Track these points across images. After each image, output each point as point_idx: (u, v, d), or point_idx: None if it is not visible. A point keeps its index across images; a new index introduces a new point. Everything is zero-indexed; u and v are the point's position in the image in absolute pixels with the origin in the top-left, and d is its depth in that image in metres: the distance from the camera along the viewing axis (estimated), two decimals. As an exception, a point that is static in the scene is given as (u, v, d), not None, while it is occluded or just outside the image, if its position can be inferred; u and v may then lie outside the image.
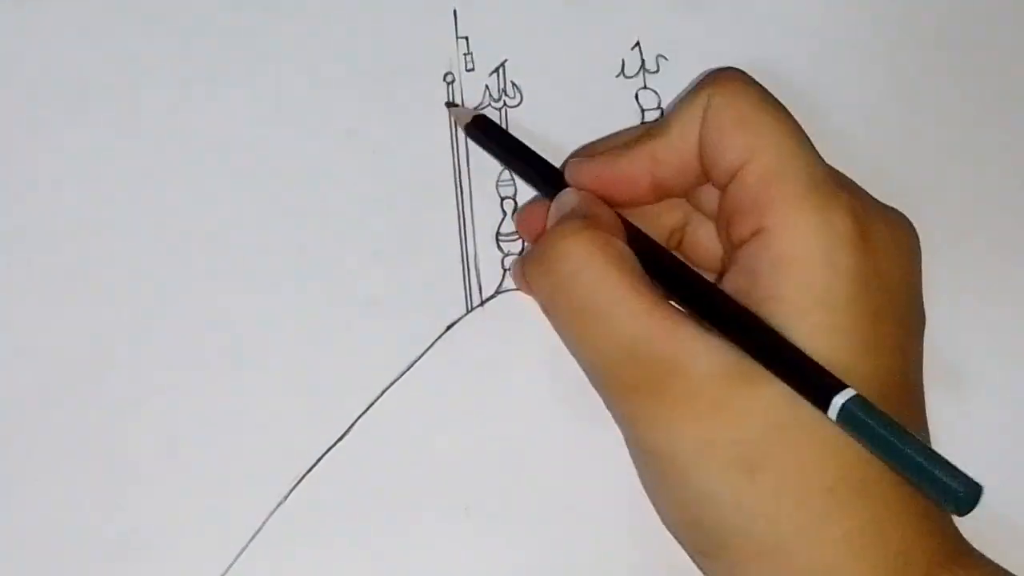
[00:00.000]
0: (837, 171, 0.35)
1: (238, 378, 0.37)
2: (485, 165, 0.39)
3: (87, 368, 0.37)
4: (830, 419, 0.30)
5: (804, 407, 0.31)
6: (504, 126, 0.40)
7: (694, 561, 0.34)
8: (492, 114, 0.40)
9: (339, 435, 0.37)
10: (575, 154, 0.38)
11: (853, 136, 0.40)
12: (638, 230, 0.35)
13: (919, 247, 0.35)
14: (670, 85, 0.40)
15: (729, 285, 0.34)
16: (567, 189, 0.36)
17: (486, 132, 0.39)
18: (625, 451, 0.36)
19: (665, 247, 0.36)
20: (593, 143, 0.38)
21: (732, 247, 0.34)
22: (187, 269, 0.38)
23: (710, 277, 0.36)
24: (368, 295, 0.38)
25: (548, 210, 0.36)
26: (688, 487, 0.32)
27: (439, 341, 0.38)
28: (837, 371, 0.31)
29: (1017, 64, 0.41)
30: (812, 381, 0.31)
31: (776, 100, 0.35)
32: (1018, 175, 0.40)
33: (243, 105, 0.39)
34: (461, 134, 0.40)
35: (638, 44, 0.41)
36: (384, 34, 0.40)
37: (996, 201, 0.40)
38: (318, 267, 0.38)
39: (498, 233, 0.39)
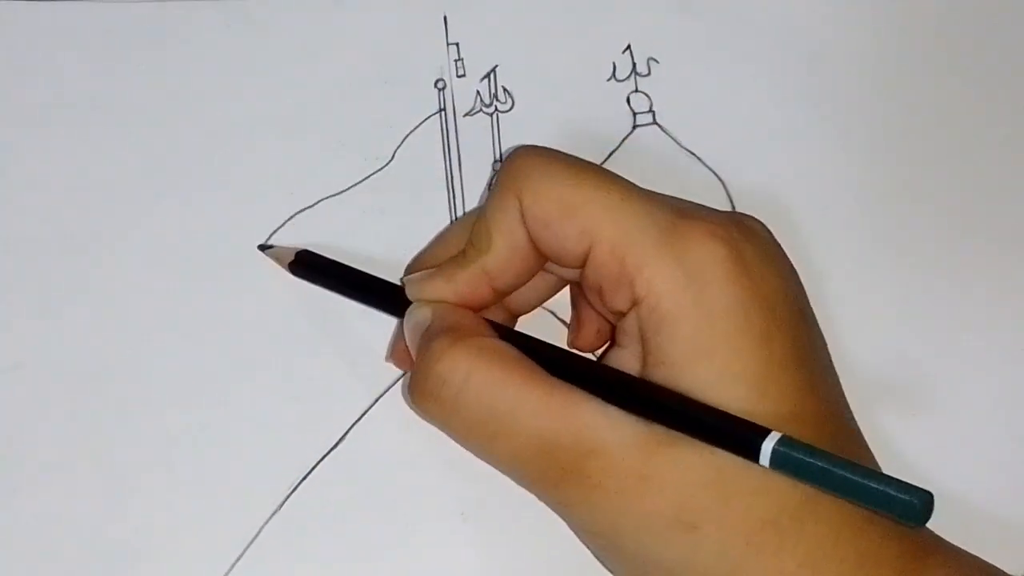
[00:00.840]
0: (674, 200, 0.34)
1: (235, 385, 0.37)
2: (477, 171, 0.39)
3: (85, 375, 0.37)
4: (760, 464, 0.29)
5: (725, 455, 0.30)
6: (496, 131, 0.40)
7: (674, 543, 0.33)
8: (484, 120, 0.40)
9: (334, 442, 0.37)
10: (408, 270, 0.37)
11: (848, 137, 0.40)
12: (503, 326, 0.35)
13: (783, 250, 0.34)
14: (661, 88, 0.40)
15: (619, 359, 0.33)
16: (413, 304, 0.35)
17: (310, 268, 0.37)
18: None
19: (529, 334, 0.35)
20: (422, 253, 0.37)
21: (612, 317, 0.34)
22: (184, 275, 0.38)
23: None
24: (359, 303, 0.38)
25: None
26: (635, 558, 0.32)
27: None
28: (741, 412, 0.30)
29: (1017, 64, 0.41)
30: (731, 435, 0.30)
31: (578, 160, 0.34)
32: (1018, 175, 0.40)
33: (236, 113, 0.40)
34: (453, 139, 0.40)
35: (629, 48, 0.41)
36: (375, 41, 0.40)
37: (995, 201, 0.40)
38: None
39: (491, 238, 0.39)
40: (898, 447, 0.37)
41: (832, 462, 0.28)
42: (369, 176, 0.39)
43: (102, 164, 0.39)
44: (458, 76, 0.40)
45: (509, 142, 0.40)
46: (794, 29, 0.41)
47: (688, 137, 0.40)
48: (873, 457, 0.33)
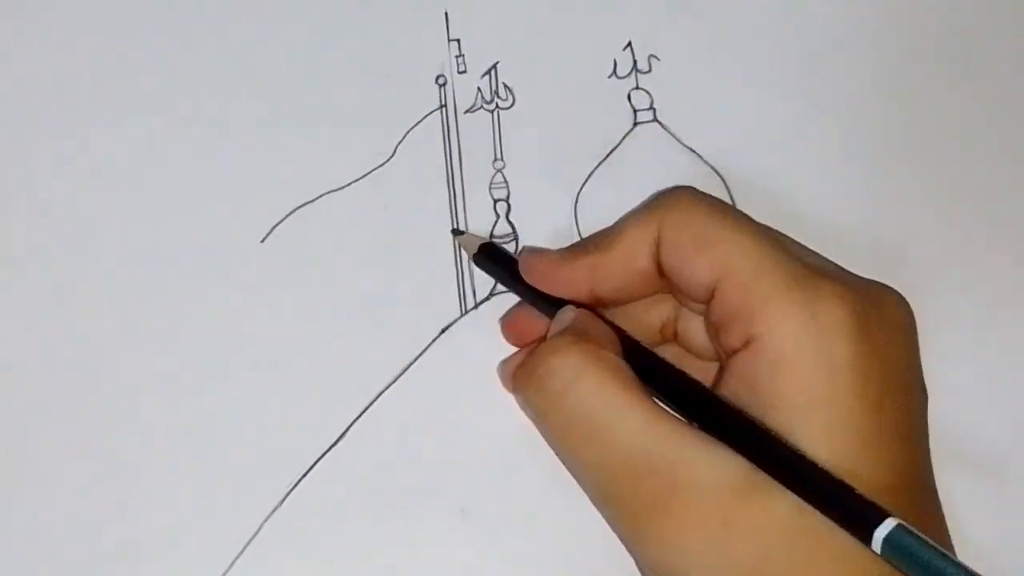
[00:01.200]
0: (818, 257, 0.34)
1: (233, 383, 0.37)
2: (478, 168, 0.39)
3: (82, 373, 0.37)
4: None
5: (815, 515, 0.30)
6: (497, 127, 0.40)
7: None
8: (484, 116, 0.40)
9: (335, 439, 0.37)
10: (531, 249, 0.38)
11: (848, 138, 0.40)
12: (635, 342, 0.35)
13: (914, 320, 0.33)
14: (662, 85, 0.40)
15: (727, 393, 0.33)
16: (566, 307, 0.35)
17: (494, 259, 0.38)
18: None
19: (662, 357, 0.35)
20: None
21: (725, 354, 0.33)
22: (183, 273, 0.38)
23: (710, 368, 0.35)
24: (362, 298, 0.38)
25: (528, 315, 0.37)
26: None
27: (434, 344, 0.38)
28: (842, 471, 0.30)
29: (1017, 63, 0.41)
30: (847, 510, 0.29)
31: (730, 207, 0.35)
32: (1018, 175, 0.40)
33: (236, 108, 0.39)
34: (454, 136, 0.40)
35: (630, 44, 0.41)
36: (376, 36, 0.40)
37: (995, 201, 0.40)
38: (312, 271, 0.38)
39: (491, 235, 0.39)
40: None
41: (942, 559, 0.28)
42: (370, 171, 0.39)
43: (99, 159, 0.39)
44: (459, 72, 0.40)
45: (510, 138, 0.40)
46: (794, 27, 0.41)
47: (689, 134, 0.40)
48: (947, 528, 0.32)
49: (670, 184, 0.39)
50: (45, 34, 0.40)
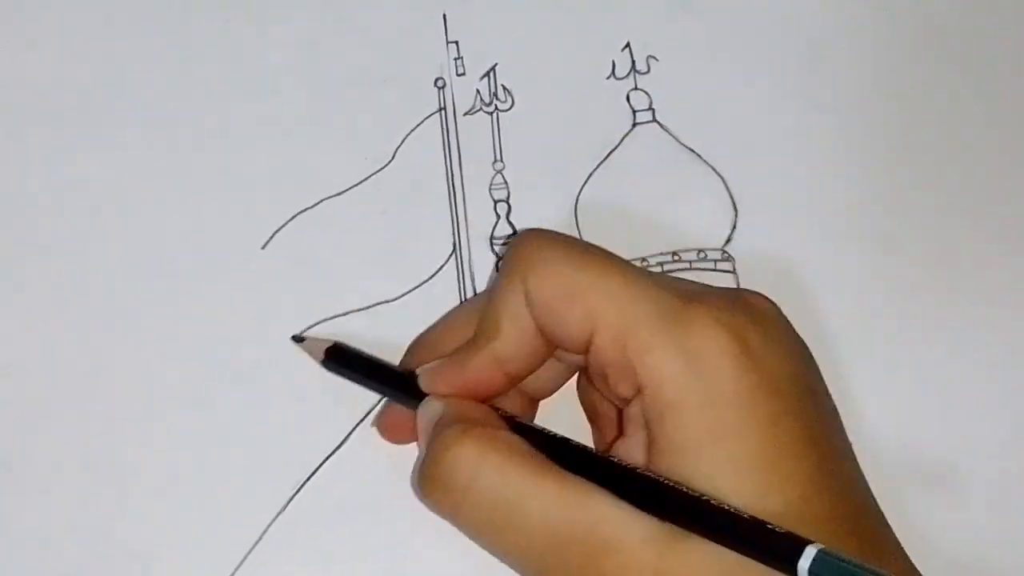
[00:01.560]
0: (679, 282, 0.34)
1: (235, 386, 0.37)
2: (478, 169, 0.39)
3: (85, 377, 0.37)
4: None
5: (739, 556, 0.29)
6: (496, 130, 0.40)
7: None
8: (484, 118, 0.40)
9: (338, 443, 0.37)
10: (414, 353, 0.37)
11: (847, 138, 0.40)
12: (514, 418, 0.34)
13: (792, 328, 0.33)
14: (661, 86, 0.40)
15: (627, 449, 0.33)
16: (429, 397, 0.34)
17: (344, 362, 0.37)
18: None
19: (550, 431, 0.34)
20: (427, 332, 0.37)
21: (619, 403, 0.33)
22: (185, 278, 0.38)
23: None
24: (363, 300, 0.38)
25: (402, 410, 0.35)
26: None
27: (436, 346, 0.38)
28: (752, 503, 0.29)
29: (1017, 63, 0.41)
30: (763, 546, 0.28)
31: (584, 244, 0.34)
32: (1017, 174, 0.40)
33: (236, 113, 0.39)
34: (454, 138, 0.40)
35: (628, 45, 0.41)
36: (375, 39, 0.40)
37: (995, 199, 0.40)
38: (313, 276, 0.38)
39: (492, 236, 0.39)
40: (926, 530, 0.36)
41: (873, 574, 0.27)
42: (370, 176, 0.39)
43: (100, 162, 0.39)
44: (458, 75, 0.40)
45: (509, 141, 0.40)
46: (794, 28, 0.41)
47: (688, 135, 0.40)
48: (897, 541, 0.32)
49: (671, 185, 0.39)
50: (47, 38, 0.40)
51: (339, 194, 0.39)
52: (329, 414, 0.37)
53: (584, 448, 0.33)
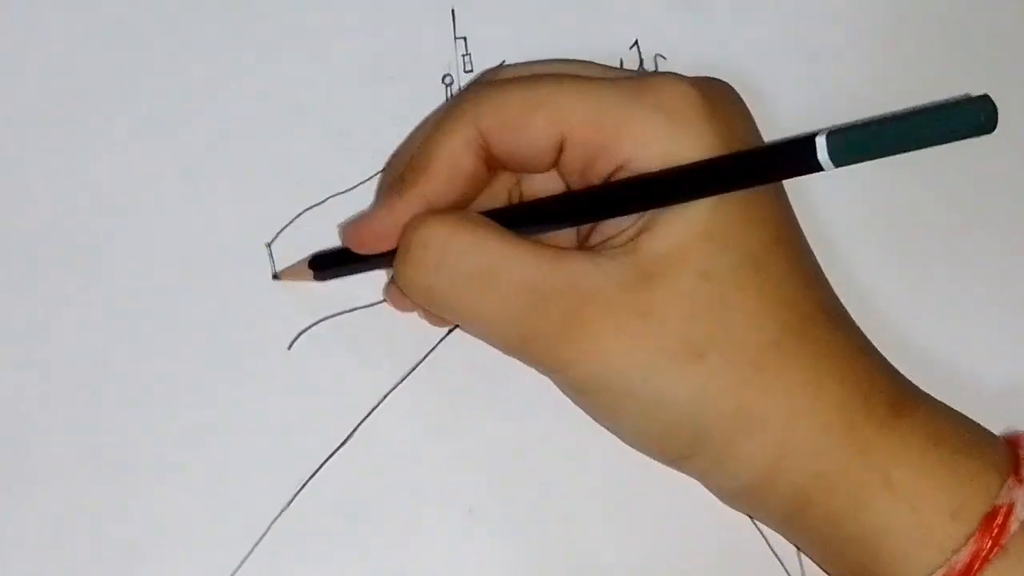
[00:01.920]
0: (631, 70, 0.36)
1: (240, 384, 0.38)
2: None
3: (88, 375, 0.38)
4: (822, 167, 0.29)
5: (723, 281, 0.31)
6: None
7: (676, 468, 0.34)
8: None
9: (342, 440, 0.37)
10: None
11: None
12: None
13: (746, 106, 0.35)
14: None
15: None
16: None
17: (330, 262, 0.37)
18: (627, 452, 0.36)
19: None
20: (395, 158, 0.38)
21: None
22: (190, 273, 0.38)
23: None
24: (368, 299, 0.38)
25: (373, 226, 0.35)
26: (646, 402, 0.32)
27: (440, 345, 0.38)
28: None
29: (1018, 63, 0.41)
30: (778, 159, 0.30)
31: (535, 65, 0.36)
32: (1017, 173, 0.40)
33: (242, 110, 0.39)
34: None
35: (636, 44, 0.40)
36: (382, 35, 0.40)
37: (995, 197, 0.40)
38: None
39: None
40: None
41: (882, 121, 0.28)
42: (377, 173, 0.39)
43: (104, 162, 0.39)
44: (465, 71, 0.40)
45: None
46: (799, 28, 0.41)
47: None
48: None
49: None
50: (49, 38, 0.40)
51: (346, 191, 0.39)
52: (333, 410, 0.37)
53: (542, 200, 0.35)
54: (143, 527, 0.36)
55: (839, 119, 0.39)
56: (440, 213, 0.33)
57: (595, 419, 0.34)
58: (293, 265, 0.38)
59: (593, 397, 0.33)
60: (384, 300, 0.38)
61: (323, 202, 0.39)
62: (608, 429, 0.34)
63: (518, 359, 0.34)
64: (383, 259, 0.35)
